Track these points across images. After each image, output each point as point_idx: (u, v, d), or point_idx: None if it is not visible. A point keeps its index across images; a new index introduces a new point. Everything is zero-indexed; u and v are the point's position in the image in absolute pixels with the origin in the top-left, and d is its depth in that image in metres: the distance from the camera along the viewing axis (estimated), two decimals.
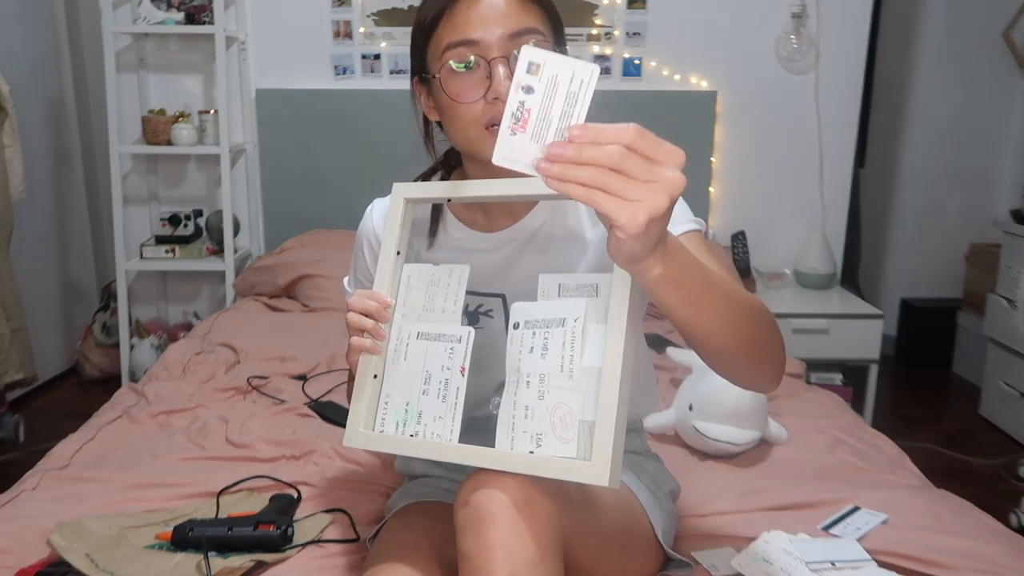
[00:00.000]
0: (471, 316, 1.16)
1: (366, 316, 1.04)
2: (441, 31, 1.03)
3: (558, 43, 1.07)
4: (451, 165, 1.19)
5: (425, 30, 1.05)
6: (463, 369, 0.99)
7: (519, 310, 0.98)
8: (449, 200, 1.08)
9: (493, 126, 1.01)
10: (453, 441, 0.98)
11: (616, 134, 0.73)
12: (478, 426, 1.06)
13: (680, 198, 1.08)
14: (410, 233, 1.11)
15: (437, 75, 1.04)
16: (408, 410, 1.02)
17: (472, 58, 1.01)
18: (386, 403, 1.04)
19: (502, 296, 1.15)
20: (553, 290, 0.97)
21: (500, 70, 1.00)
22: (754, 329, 0.91)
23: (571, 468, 0.89)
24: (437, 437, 0.99)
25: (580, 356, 0.92)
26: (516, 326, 0.97)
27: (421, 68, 1.09)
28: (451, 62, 1.02)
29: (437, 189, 1.08)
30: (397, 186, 1.11)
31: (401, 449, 1.02)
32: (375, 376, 1.04)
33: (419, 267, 1.07)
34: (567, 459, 0.90)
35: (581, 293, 0.95)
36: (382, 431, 1.03)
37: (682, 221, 1.07)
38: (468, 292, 1.05)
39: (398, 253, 1.08)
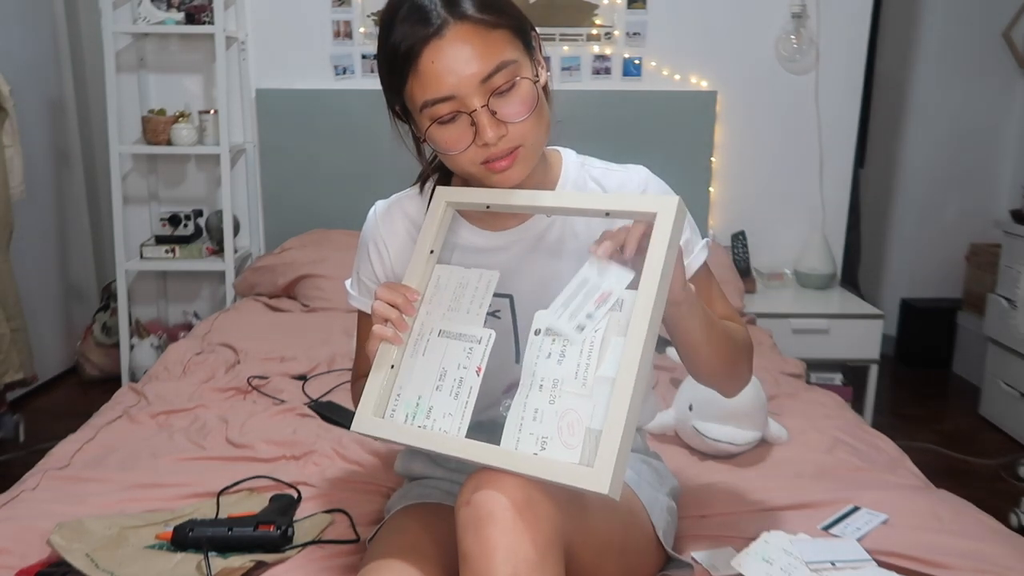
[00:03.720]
0: None
1: (392, 307, 1.05)
2: (412, 88, 1.00)
3: (528, 48, 1.05)
4: (445, 170, 1.18)
5: (396, 81, 1.02)
6: (479, 370, 1.00)
7: (541, 318, 0.99)
8: (488, 207, 1.09)
9: (489, 162, 1.02)
10: (459, 436, 0.98)
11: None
12: (484, 429, 1.06)
13: (690, 219, 1.14)
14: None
15: (422, 136, 1.04)
16: (419, 404, 1.02)
17: (453, 112, 1.00)
18: (398, 394, 1.05)
19: (510, 297, 1.15)
20: None
21: (484, 119, 0.99)
22: (732, 355, 1.17)
23: (573, 473, 0.89)
24: (444, 432, 0.99)
25: (596, 366, 0.93)
26: (537, 332, 0.98)
27: (401, 107, 1.07)
28: (440, 121, 1.01)
29: (478, 195, 1.09)
30: (440, 189, 1.12)
31: (407, 438, 1.02)
32: (392, 366, 1.05)
33: (450, 268, 1.09)
34: (570, 464, 0.90)
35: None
36: (391, 420, 1.04)
37: (698, 249, 1.19)
38: None
39: (431, 252, 1.09)
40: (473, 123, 1.00)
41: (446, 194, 1.11)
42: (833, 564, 1.20)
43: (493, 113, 1.00)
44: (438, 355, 1.03)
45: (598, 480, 0.87)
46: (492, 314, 1.16)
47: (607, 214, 1.03)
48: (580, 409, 0.92)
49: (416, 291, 1.07)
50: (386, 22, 1.02)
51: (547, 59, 1.09)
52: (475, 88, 0.98)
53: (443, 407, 1.01)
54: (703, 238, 1.22)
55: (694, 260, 1.19)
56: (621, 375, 0.90)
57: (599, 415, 0.91)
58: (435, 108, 1.00)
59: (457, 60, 0.97)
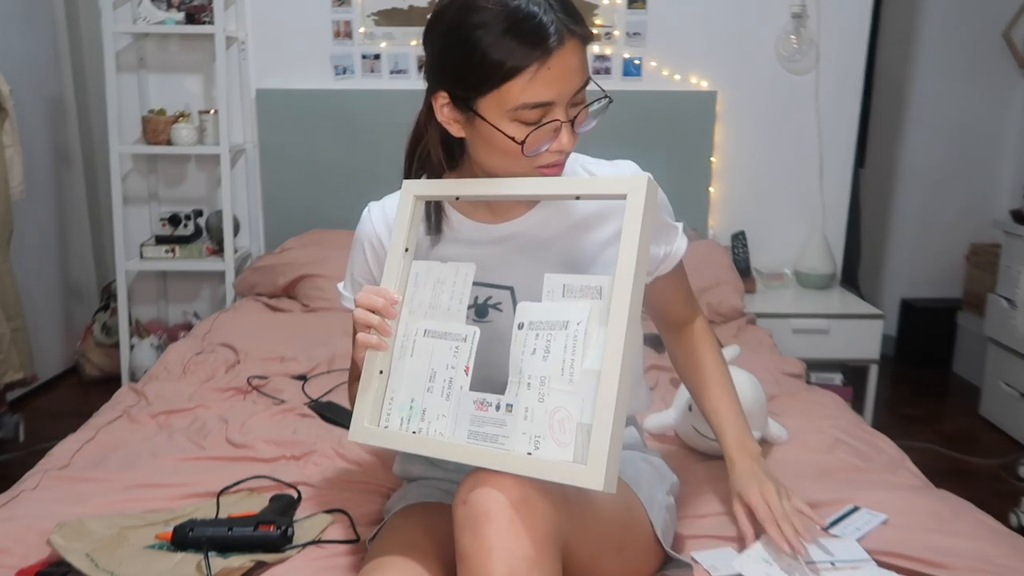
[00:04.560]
0: (480, 309, 1.16)
1: (373, 312, 1.05)
2: (513, 88, 0.99)
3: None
4: (433, 167, 1.17)
5: (493, 78, 0.99)
6: (467, 368, 1.00)
7: (524, 310, 0.99)
8: (457, 198, 1.08)
9: (548, 167, 1.05)
10: (454, 440, 0.98)
11: None
12: None
13: (664, 198, 1.18)
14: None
15: (509, 134, 1.01)
16: (413, 407, 1.02)
17: (540, 117, 1.01)
18: (391, 399, 1.04)
19: (510, 288, 1.15)
20: (558, 290, 0.98)
21: (569, 129, 1.03)
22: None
23: (568, 471, 0.89)
24: (440, 435, 0.99)
25: (581, 360, 0.92)
26: (520, 326, 0.98)
27: (463, 96, 1.03)
28: (522, 122, 1.01)
29: (446, 187, 1.08)
30: (407, 183, 1.11)
31: (403, 445, 1.02)
32: (380, 372, 1.05)
33: (427, 264, 1.08)
34: (563, 462, 0.90)
35: (586, 295, 0.95)
36: (386, 427, 1.04)
37: (676, 237, 1.24)
38: (476, 283, 1.06)
39: (406, 250, 1.09)
40: (555, 130, 1.02)
41: (413, 188, 1.10)
42: (833, 564, 1.20)
43: (572, 124, 1.03)
44: (426, 356, 1.03)
45: (593, 477, 0.87)
46: (494, 307, 1.16)
47: (577, 198, 1.03)
48: (569, 406, 0.92)
49: (396, 293, 1.07)
50: (482, 17, 0.98)
51: None
52: (572, 99, 1.02)
53: (436, 408, 1.00)
54: (679, 223, 1.26)
55: (676, 249, 1.24)
56: (606, 367, 0.90)
57: (588, 410, 0.90)
58: (531, 111, 1.01)
59: (567, 71, 1.00)
